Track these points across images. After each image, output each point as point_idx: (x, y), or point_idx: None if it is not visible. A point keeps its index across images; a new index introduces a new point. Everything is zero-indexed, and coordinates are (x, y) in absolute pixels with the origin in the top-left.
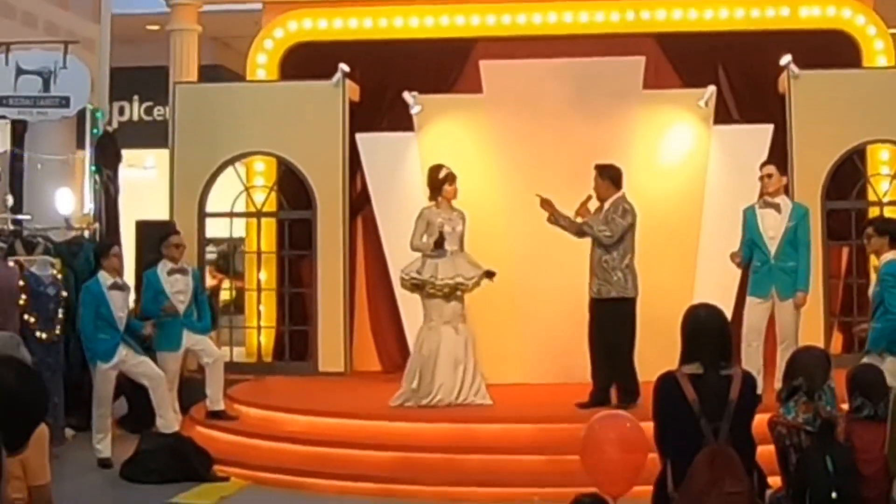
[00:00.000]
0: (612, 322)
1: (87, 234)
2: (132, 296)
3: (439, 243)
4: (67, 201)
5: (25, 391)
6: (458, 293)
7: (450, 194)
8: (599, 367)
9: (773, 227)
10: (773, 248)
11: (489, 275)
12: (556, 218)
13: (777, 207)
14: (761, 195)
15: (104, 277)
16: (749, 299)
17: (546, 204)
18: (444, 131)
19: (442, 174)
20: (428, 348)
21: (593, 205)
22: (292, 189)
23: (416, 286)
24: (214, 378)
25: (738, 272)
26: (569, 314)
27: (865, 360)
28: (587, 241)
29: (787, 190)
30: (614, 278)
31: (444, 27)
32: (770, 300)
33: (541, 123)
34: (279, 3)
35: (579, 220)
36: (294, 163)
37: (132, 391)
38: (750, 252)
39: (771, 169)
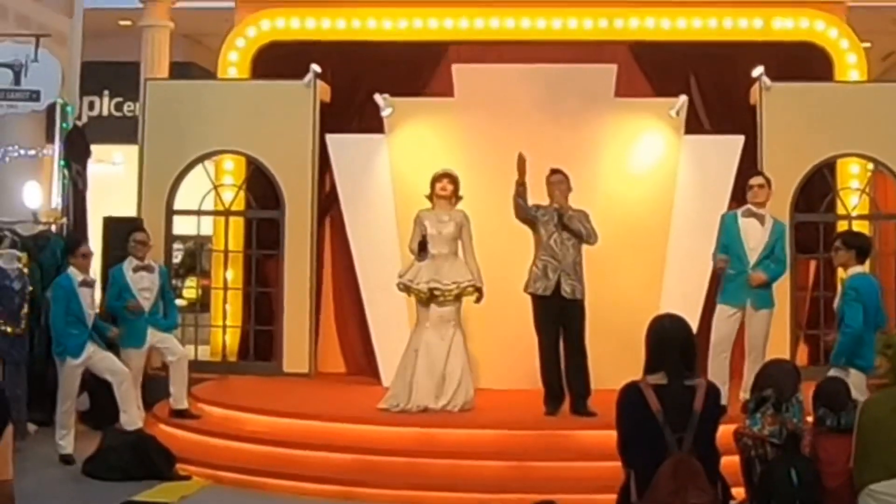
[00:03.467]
0: (582, 324)
1: (54, 228)
2: (98, 292)
3: (422, 246)
4: (35, 195)
5: None
6: (440, 299)
7: (437, 192)
8: (554, 367)
9: (755, 237)
10: (752, 258)
11: (479, 294)
12: (522, 188)
13: (762, 219)
14: (737, 204)
15: (74, 273)
16: (720, 308)
17: (521, 162)
18: (414, 134)
19: (433, 175)
20: (410, 352)
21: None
22: (261, 188)
23: (402, 289)
24: (178, 376)
25: (705, 281)
26: None
27: (832, 372)
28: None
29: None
30: (584, 280)
31: (417, 30)
32: (742, 310)
33: (512, 128)
34: (252, 2)
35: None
36: (263, 162)
37: (95, 387)
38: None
39: (762, 180)
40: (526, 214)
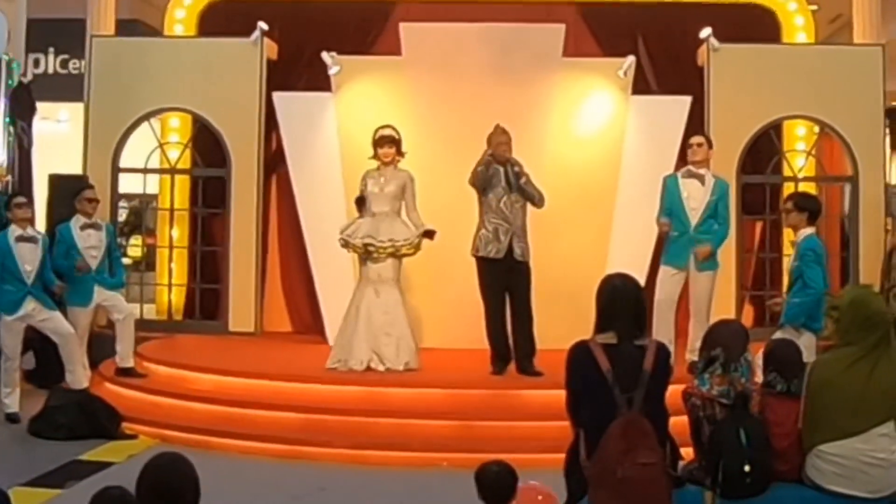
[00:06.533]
0: (529, 285)
1: None
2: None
3: (360, 202)
4: None
5: None
6: (374, 255)
7: (381, 158)
8: (501, 329)
9: (696, 197)
10: (693, 219)
11: (428, 234)
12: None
13: (702, 179)
14: (684, 165)
15: (12, 230)
16: (663, 269)
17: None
18: (361, 92)
19: (375, 136)
20: (352, 308)
21: None
22: (207, 146)
23: (343, 245)
24: (124, 335)
25: (651, 242)
26: None
27: (779, 333)
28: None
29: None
30: (529, 241)
31: None
32: (685, 271)
33: (460, 87)
34: None
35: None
36: (209, 120)
37: (41, 346)
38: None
39: (701, 139)
40: (485, 182)
